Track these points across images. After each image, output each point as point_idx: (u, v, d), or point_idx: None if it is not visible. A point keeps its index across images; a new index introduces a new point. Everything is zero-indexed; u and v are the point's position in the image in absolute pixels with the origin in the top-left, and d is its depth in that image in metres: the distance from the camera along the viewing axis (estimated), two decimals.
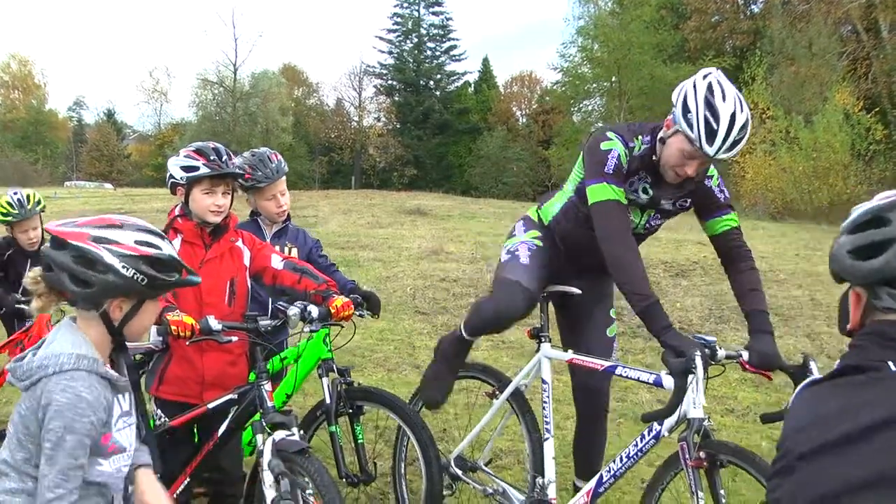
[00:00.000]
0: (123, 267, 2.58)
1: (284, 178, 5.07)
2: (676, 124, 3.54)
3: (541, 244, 4.15)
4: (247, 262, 4.35)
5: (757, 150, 32.00)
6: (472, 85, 75.04)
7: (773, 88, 34.87)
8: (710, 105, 3.44)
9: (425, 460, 4.20)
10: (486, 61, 76.24)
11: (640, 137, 3.77)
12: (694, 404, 3.33)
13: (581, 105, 56.48)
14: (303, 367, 4.22)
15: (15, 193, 6.18)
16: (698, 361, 3.26)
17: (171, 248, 2.76)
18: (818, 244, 17.15)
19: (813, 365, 3.39)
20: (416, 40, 73.65)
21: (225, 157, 4.16)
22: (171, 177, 4.22)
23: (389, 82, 74.64)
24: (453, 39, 73.86)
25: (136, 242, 2.65)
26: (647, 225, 4.01)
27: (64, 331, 2.66)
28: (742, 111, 3.46)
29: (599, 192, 3.69)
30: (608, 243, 3.67)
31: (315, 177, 69.31)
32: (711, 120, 3.43)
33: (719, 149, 3.45)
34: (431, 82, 73.76)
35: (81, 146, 78.69)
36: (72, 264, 2.58)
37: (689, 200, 3.92)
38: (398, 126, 72.28)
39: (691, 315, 10.49)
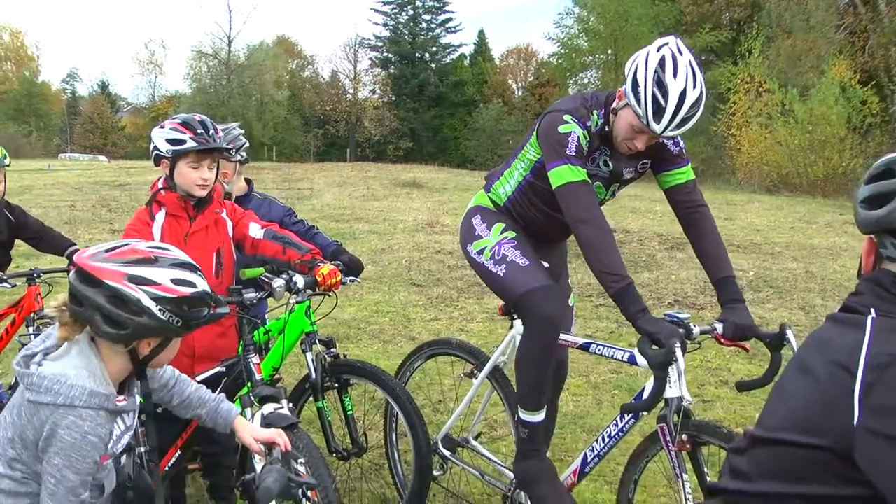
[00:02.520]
0: (160, 311, 2.53)
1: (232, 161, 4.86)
2: (626, 98, 3.46)
3: (513, 234, 3.94)
4: (231, 232, 4.32)
5: (752, 124, 31.98)
6: (468, 58, 74.69)
7: (769, 62, 34.78)
8: (659, 82, 3.34)
9: (413, 434, 4.22)
10: (481, 34, 75.95)
11: (595, 112, 3.67)
12: (670, 384, 3.25)
13: (577, 78, 56.23)
14: (287, 339, 4.18)
15: None
16: (678, 353, 3.20)
17: (205, 283, 2.70)
18: (813, 217, 17.16)
19: (790, 333, 3.34)
20: (411, 12, 73.25)
21: (212, 131, 4.11)
22: (156, 149, 4.15)
23: (385, 55, 74.26)
24: (449, 12, 73.50)
25: (173, 281, 2.59)
26: (613, 194, 3.95)
27: (79, 351, 2.60)
28: (695, 87, 3.34)
29: (563, 175, 3.56)
30: (579, 227, 3.54)
31: (310, 149, 69.12)
32: (660, 97, 3.34)
33: (667, 127, 3.37)
34: (427, 55, 73.44)
35: (75, 118, 78.27)
36: (105, 304, 2.51)
37: (648, 161, 3.83)
38: (393, 99, 72.02)
39: (686, 288, 10.50)
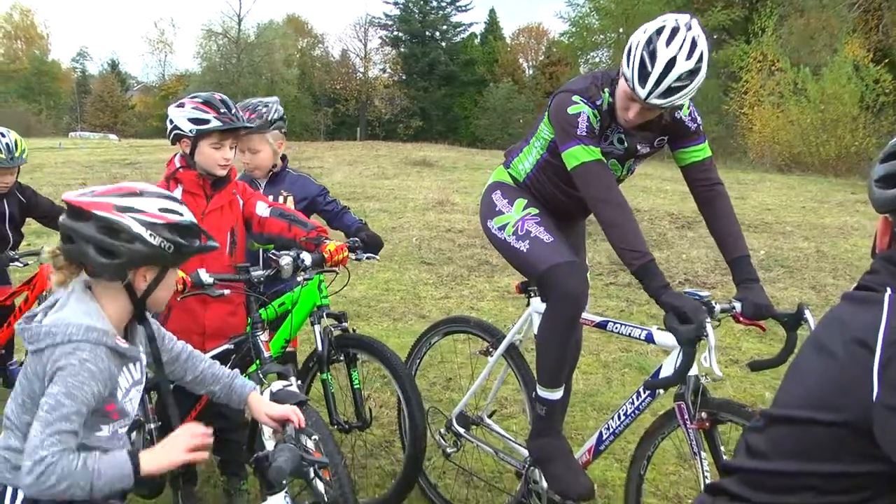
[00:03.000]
0: (150, 235, 2.54)
1: (261, 136, 4.75)
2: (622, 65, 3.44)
3: (536, 210, 3.92)
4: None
5: (765, 103, 31.76)
6: (479, 36, 74.47)
7: (782, 40, 34.55)
8: (649, 46, 3.29)
9: (409, 410, 4.27)
10: (492, 12, 75.77)
11: (606, 90, 3.63)
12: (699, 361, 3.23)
13: (588, 57, 55.95)
14: (299, 313, 4.20)
15: (3, 136, 5.77)
16: (709, 329, 3.16)
17: (191, 214, 2.71)
18: (825, 196, 17.10)
19: (808, 313, 3.30)
20: None
21: (234, 110, 4.09)
22: (176, 128, 4.11)
23: (395, 33, 74.04)
24: None
25: (160, 210, 2.60)
26: (630, 170, 3.91)
27: (76, 298, 2.61)
28: (688, 59, 3.26)
29: (577, 155, 3.55)
30: (598, 206, 3.53)
31: (320, 128, 69.05)
32: (647, 61, 3.29)
33: (650, 92, 3.31)
34: (437, 33, 73.19)
35: (85, 97, 78.39)
36: (97, 235, 2.52)
37: (665, 137, 3.78)
38: (404, 77, 71.87)
39: (697, 267, 10.48)
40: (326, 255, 4.09)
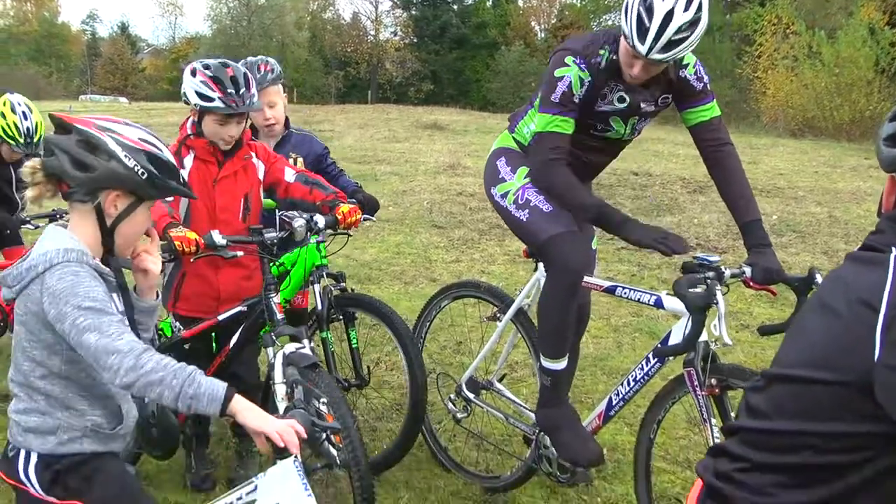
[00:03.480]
0: (126, 156, 2.54)
1: (277, 88, 4.87)
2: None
3: None
4: (261, 176, 4.32)
5: (779, 67, 31.50)
6: None
7: (797, 3, 34.21)
8: (645, 1, 3.27)
9: (410, 372, 4.30)
10: None
11: (606, 47, 3.60)
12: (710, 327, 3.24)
13: (601, 19, 55.61)
14: (297, 273, 4.21)
15: (25, 118, 5.66)
16: (719, 295, 3.18)
17: (170, 156, 2.70)
18: (838, 161, 17.00)
19: (819, 277, 3.27)
20: None
21: (243, 90, 4.01)
22: (185, 95, 4.09)
23: None
24: None
25: (140, 138, 2.61)
26: (634, 129, 3.85)
27: (50, 233, 2.61)
28: (686, 10, 3.24)
29: (542, 123, 3.64)
30: (539, 174, 3.67)
31: (331, 91, 68.81)
32: (644, 16, 3.27)
33: (651, 48, 3.29)
34: None
35: (95, 60, 78.25)
36: (74, 147, 2.54)
37: (670, 95, 3.74)
38: (415, 40, 71.37)
39: (708, 231, 10.46)
40: (339, 217, 4.10)
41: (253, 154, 4.31)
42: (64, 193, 2.60)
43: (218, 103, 3.98)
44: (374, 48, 71.62)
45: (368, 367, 4.50)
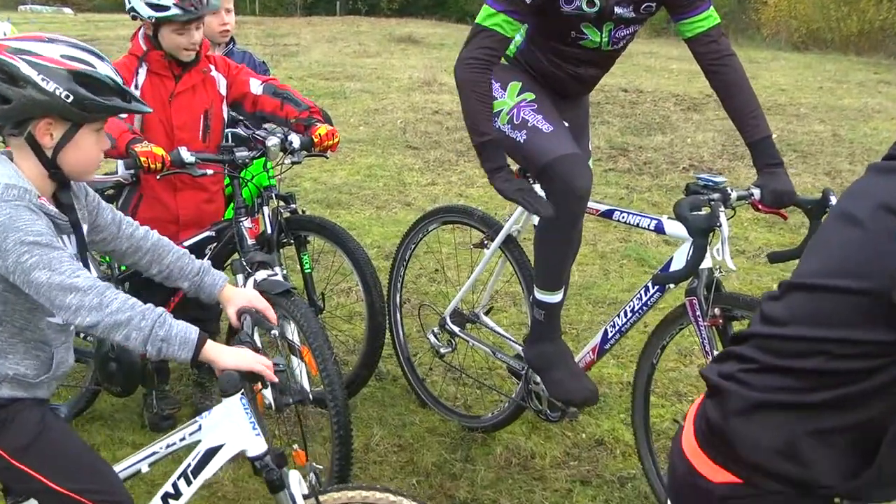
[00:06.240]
0: (43, 80, 2.41)
1: None
2: None
3: (532, 95, 3.79)
4: (223, 90, 4.28)
5: None
6: None
7: None
8: None
9: (367, 298, 4.35)
10: None
11: None
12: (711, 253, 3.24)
13: None
14: (244, 194, 4.20)
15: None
16: (723, 218, 3.16)
17: (109, 68, 2.57)
18: (844, 76, 17.01)
19: (833, 198, 3.20)
20: None
21: None
22: (133, 9, 4.02)
23: None
24: None
25: (62, 56, 2.48)
26: (613, 39, 3.69)
27: None
28: None
29: (484, 15, 3.53)
30: (457, 70, 3.58)
31: (296, 2, 67.86)
32: None
33: None
34: None
35: None
36: None
37: (654, 3, 3.61)
38: None
39: (703, 151, 10.47)
40: (316, 139, 4.08)
41: (212, 67, 4.27)
42: None
43: (174, 10, 3.92)
44: None
45: (323, 294, 4.54)
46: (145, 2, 3.94)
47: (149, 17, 3.98)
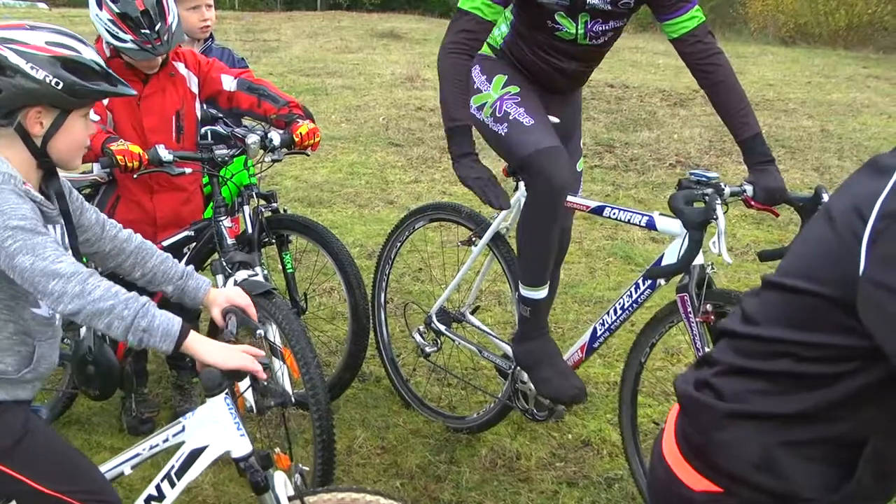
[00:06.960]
0: (32, 68, 2.43)
1: None
2: None
3: (516, 88, 3.84)
4: (194, 88, 4.25)
5: None
6: None
7: None
8: None
9: (350, 296, 4.37)
10: None
11: None
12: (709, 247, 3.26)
13: None
14: (224, 192, 4.20)
15: None
16: (719, 211, 3.18)
17: (93, 53, 2.60)
18: (832, 71, 17.06)
19: (825, 196, 3.23)
20: None
21: (159, 24, 3.88)
22: (95, 24, 3.99)
23: None
24: None
25: (46, 42, 2.50)
26: (590, 33, 3.71)
27: None
28: None
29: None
30: (441, 53, 3.63)
31: None
32: None
33: None
34: None
35: None
36: None
37: (631, 1, 3.63)
38: None
39: (689, 147, 10.49)
40: (297, 138, 4.06)
41: (181, 65, 4.23)
42: None
43: (131, 45, 3.89)
44: None
45: (305, 294, 4.55)
46: (104, 28, 3.91)
47: (107, 43, 3.97)
